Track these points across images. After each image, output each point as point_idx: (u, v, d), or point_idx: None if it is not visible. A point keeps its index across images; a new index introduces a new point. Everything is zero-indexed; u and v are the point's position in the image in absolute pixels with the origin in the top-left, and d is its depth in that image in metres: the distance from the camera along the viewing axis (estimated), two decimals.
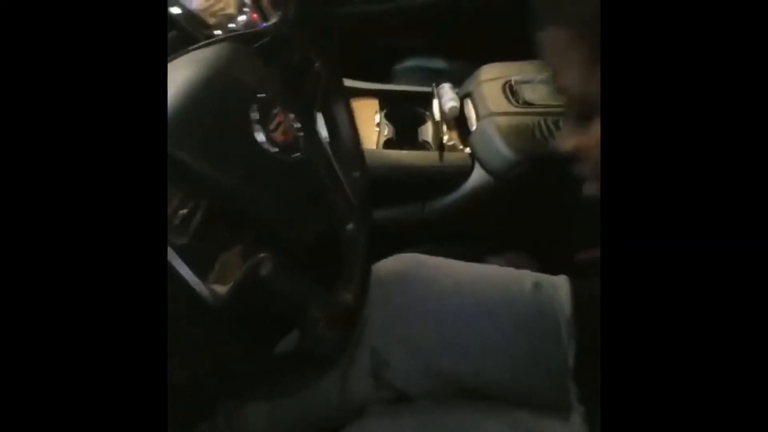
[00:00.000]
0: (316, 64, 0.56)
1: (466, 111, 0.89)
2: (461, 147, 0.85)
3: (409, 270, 0.57)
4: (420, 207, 0.81)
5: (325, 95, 0.57)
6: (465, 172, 0.80)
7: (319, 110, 0.57)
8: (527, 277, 0.55)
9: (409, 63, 1.26)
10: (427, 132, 0.90)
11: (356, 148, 0.63)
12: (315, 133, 0.52)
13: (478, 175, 0.79)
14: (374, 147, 0.86)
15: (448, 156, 0.82)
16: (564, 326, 0.50)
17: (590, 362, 0.47)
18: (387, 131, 0.89)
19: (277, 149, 0.42)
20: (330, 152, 0.54)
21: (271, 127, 0.43)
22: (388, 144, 0.87)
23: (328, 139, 0.59)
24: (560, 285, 0.53)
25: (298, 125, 0.47)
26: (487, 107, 0.84)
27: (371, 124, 0.90)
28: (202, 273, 0.31)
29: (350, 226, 0.55)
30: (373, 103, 0.94)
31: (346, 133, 0.62)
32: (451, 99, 0.90)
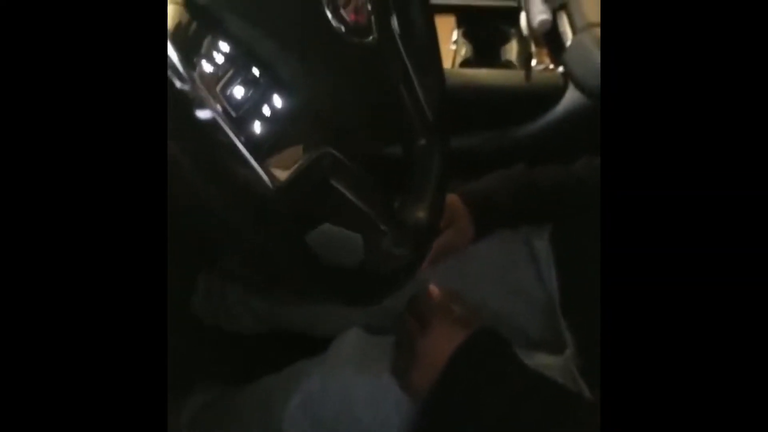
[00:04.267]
0: None
1: (559, 25, 0.77)
2: (552, 66, 0.74)
3: None
4: (501, 133, 0.72)
5: None
6: (556, 94, 0.69)
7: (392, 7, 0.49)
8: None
9: None
10: (510, 51, 0.79)
11: (434, 54, 0.55)
12: (388, 26, 0.44)
13: (572, 97, 0.68)
14: (450, 67, 0.77)
15: (537, 76, 0.72)
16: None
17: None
18: (464, 51, 0.79)
19: (346, 28, 0.35)
20: (404, 53, 0.46)
21: (341, 2, 0.35)
22: (465, 64, 0.78)
23: (401, 40, 0.51)
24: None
25: (369, 7, 0.39)
26: (585, 18, 0.72)
27: (446, 43, 0.81)
28: (256, 155, 0.26)
29: (423, 142, 0.48)
30: (449, 20, 0.84)
31: (423, 36, 0.53)
32: (542, 12, 0.77)
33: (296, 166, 0.29)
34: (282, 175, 0.27)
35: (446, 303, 0.41)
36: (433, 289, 0.42)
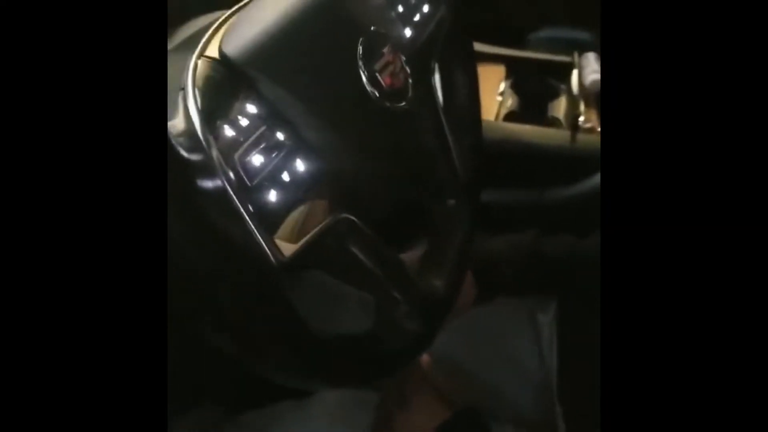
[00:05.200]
0: (442, 7, 0.48)
1: None
2: (599, 129, 0.71)
3: None
4: (536, 193, 0.69)
5: (446, 45, 0.48)
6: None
7: (436, 61, 0.49)
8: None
9: (544, 33, 1.11)
10: (558, 108, 0.77)
11: (474, 113, 0.54)
12: (428, 85, 0.44)
13: None
14: (493, 118, 0.75)
15: (582, 138, 0.69)
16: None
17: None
18: (510, 103, 0.78)
19: (380, 93, 0.35)
20: (442, 112, 0.46)
21: (377, 66, 0.35)
22: (510, 117, 0.76)
23: (441, 98, 0.50)
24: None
25: (408, 71, 0.39)
26: None
27: (493, 94, 0.80)
28: (266, 225, 0.26)
29: (452, 202, 0.47)
30: (499, 70, 0.83)
31: (465, 94, 0.53)
32: (595, 71, 0.76)
33: (311, 233, 0.29)
34: (291, 247, 0.26)
35: (434, 375, 0.39)
36: (424, 357, 0.40)
